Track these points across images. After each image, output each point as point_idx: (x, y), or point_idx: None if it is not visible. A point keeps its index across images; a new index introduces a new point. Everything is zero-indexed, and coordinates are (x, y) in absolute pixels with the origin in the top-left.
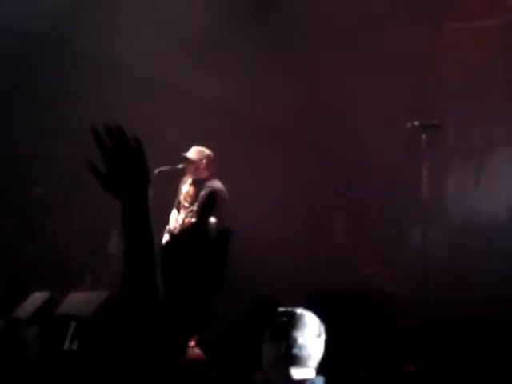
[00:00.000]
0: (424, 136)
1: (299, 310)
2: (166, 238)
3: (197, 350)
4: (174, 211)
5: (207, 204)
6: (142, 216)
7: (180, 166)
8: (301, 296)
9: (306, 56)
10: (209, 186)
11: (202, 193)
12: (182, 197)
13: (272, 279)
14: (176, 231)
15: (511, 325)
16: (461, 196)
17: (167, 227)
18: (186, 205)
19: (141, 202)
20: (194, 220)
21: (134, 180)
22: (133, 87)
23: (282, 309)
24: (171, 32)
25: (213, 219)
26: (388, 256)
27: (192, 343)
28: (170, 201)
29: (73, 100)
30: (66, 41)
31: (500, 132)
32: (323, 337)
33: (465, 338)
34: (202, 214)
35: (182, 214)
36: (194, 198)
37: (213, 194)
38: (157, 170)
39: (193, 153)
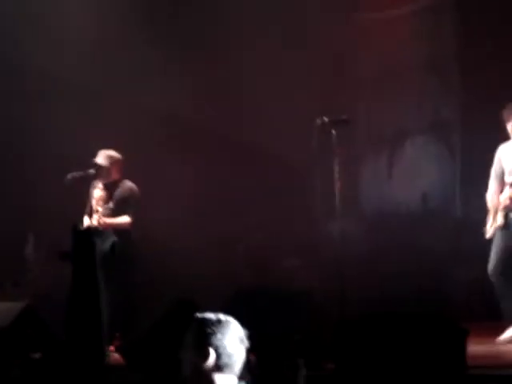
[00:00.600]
0: (333, 131)
1: (223, 317)
2: None
3: (116, 356)
4: (85, 218)
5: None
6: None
7: (91, 170)
8: (219, 296)
9: (218, 54)
10: (121, 186)
11: (116, 193)
12: (93, 202)
13: (188, 280)
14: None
15: (423, 317)
16: (375, 186)
17: None
18: (99, 209)
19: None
20: (108, 220)
21: None
22: (45, 89)
23: (202, 314)
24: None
25: (127, 218)
26: (304, 250)
27: (111, 349)
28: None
29: None
30: None
31: (411, 121)
32: (246, 342)
33: (381, 332)
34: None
35: (95, 217)
36: (106, 201)
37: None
38: (69, 176)
39: (102, 158)
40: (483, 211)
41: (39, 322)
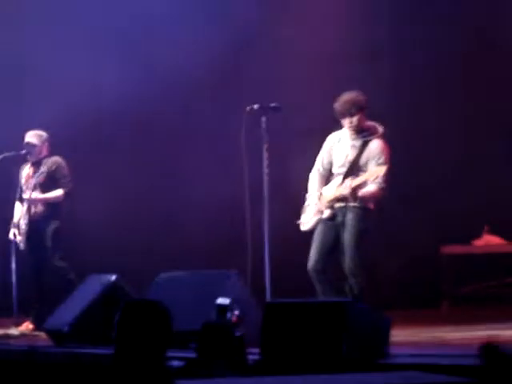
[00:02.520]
0: (263, 118)
1: None
2: (12, 232)
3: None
4: (17, 204)
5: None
6: None
7: (23, 151)
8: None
9: None
10: (47, 161)
11: (42, 167)
12: (23, 181)
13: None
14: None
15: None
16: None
17: (12, 221)
18: (30, 187)
19: None
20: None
21: None
22: None
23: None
24: None
25: (60, 191)
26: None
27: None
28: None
29: None
30: None
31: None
32: None
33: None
34: None
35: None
36: (33, 176)
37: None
38: (0, 156)
39: (33, 137)
40: None
41: None
